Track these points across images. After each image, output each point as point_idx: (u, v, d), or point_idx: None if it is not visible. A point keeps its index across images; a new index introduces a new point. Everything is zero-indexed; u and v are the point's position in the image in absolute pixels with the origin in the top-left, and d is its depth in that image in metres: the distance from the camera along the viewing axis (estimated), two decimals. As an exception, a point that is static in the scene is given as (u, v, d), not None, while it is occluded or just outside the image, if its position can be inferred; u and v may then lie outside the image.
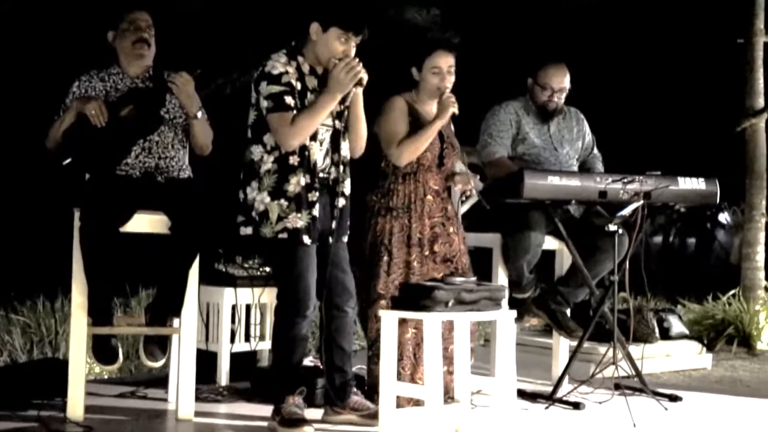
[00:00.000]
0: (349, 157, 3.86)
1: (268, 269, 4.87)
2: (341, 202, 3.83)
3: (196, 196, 3.93)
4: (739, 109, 7.40)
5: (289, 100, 3.65)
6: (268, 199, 3.69)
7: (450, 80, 4.16)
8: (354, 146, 3.86)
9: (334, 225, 3.80)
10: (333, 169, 3.81)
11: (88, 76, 4.05)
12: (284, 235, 3.68)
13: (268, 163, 3.71)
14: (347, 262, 3.88)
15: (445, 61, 4.16)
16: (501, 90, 5.09)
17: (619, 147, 6.49)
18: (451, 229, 4.25)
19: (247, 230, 3.74)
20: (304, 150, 3.71)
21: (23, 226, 7.82)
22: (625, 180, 4.37)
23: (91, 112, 3.81)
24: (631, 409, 4.07)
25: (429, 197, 4.20)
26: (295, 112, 3.65)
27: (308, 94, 3.71)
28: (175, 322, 3.92)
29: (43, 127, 3.99)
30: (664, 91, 10.55)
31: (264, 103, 3.67)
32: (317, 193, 3.71)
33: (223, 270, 4.79)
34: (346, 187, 3.85)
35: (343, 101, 3.76)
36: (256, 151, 3.73)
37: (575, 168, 4.83)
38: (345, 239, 3.89)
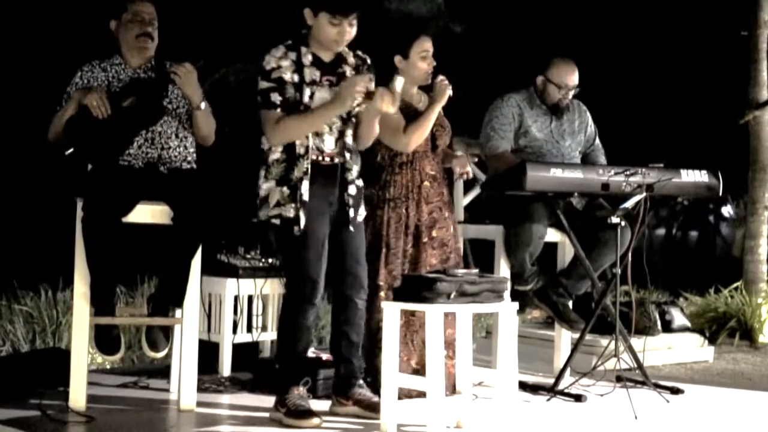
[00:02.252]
0: (354, 145, 3.86)
1: (270, 260, 4.88)
2: (352, 189, 3.83)
3: (199, 186, 3.93)
4: (742, 102, 7.40)
5: (274, 97, 3.67)
6: (273, 185, 3.71)
7: (433, 64, 4.17)
8: (359, 142, 3.86)
9: (351, 213, 3.80)
10: (345, 155, 3.81)
11: (90, 66, 4.04)
12: (276, 221, 3.70)
13: (276, 153, 3.73)
14: (362, 252, 3.88)
15: (430, 45, 4.19)
16: (504, 81, 5.09)
17: (622, 139, 6.48)
18: (446, 214, 4.26)
19: (257, 216, 3.77)
20: (310, 136, 3.72)
21: (26, 216, 7.82)
22: (628, 172, 4.36)
23: (93, 103, 3.80)
24: (633, 401, 4.07)
25: (426, 183, 4.21)
26: (279, 110, 3.67)
27: (305, 87, 3.70)
28: (178, 312, 3.92)
29: (46, 118, 3.98)
30: (668, 83, 10.53)
31: (257, 98, 3.71)
32: (309, 182, 3.69)
33: (226, 261, 4.79)
34: (354, 174, 3.83)
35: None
36: (265, 141, 3.76)
37: (578, 160, 4.83)
38: (360, 224, 3.87)
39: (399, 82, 3.76)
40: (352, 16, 3.69)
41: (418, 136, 4.11)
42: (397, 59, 4.16)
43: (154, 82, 4.00)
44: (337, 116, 3.76)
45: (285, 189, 3.70)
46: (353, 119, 3.82)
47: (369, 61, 3.88)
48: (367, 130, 3.82)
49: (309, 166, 3.70)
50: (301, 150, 3.70)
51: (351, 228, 3.82)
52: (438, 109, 4.12)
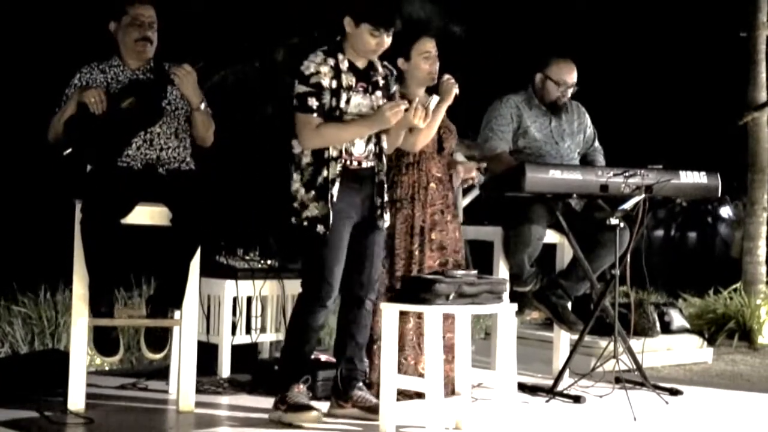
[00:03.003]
0: (386, 149, 3.91)
1: (269, 261, 4.88)
2: (383, 188, 3.85)
3: (198, 187, 3.93)
4: (741, 103, 7.40)
5: (312, 101, 3.70)
6: (303, 191, 3.75)
7: (437, 65, 4.17)
8: (387, 148, 3.91)
9: (384, 217, 3.84)
10: (375, 160, 3.84)
11: (89, 68, 4.04)
12: (306, 224, 3.74)
13: (308, 156, 3.76)
14: (378, 254, 3.90)
15: (432, 45, 4.18)
16: (503, 83, 5.09)
17: (621, 140, 6.48)
18: (449, 217, 4.25)
19: (292, 220, 3.79)
20: None
21: (25, 218, 7.82)
22: (627, 173, 4.36)
23: (90, 99, 3.80)
24: (632, 402, 4.07)
25: (432, 185, 4.20)
26: (316, 115, 3.70)
27: (342, 92, 3.73)
28: (176, 314, 3.92)
29: (45, 119, 3.98)
30: (667, 85, 10.54)
31: (294, 102, 3.74)
32: (340, 185, 3.72)
33: (224, 262, 4.79)
34: (385, 179, 3.87)
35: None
36: (297, 144, 3.78)
37: (576, 161, 4.83)
38: (383, 227, 3.88)
39: (434, 101, 3.83)
40: (391, 30, 3.74)
41: (425, 136, 4.10)
42: (400, 62, 4.16)
43: (153, 84, 4.00)
44: None
45: (312, 192, 3.73)
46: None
47: (395, 72, 3.95)
48: (393, 139, 3.88)
49: (341, 169, 3.73)
50: (334, 153, 3.73)
51: (381, 232, 3.87)
52: (445, 107, 4.11)
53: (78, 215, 3.81)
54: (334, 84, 3.73)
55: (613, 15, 9.92)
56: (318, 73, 3.71)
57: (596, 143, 4.99)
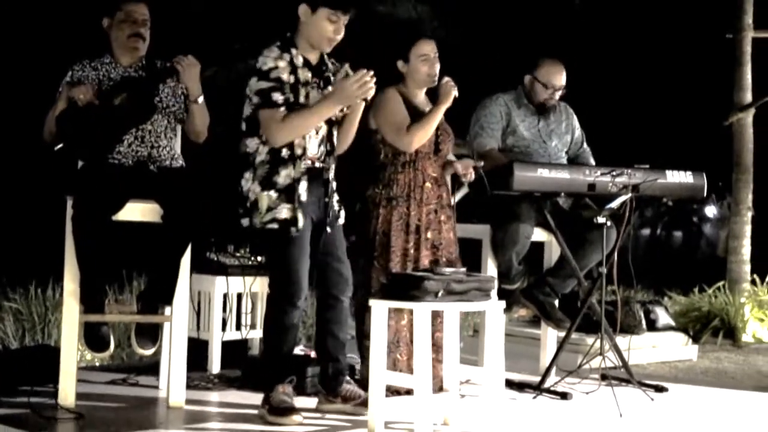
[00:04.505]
0: (333, 149, 3.89)
1: (259, 258, 4.90)
2: (332, 188, 3.86)
3: (189, 184, 3.94)
4: (726, 104, 7.46)
5: (276, 96, 3.69)
6: (258, 189, 3.72)
7: (437, 67, 4.19)
8: (341, 145, 3.90)
9: (330, 213, 3.83)
10: (327, 159, 3.85)
11: (81, 65, 4.04)
12: (274, 226, 3.70)
13: (263, 155, 3.75)
14: (344, 250, 3.90)
15: (431, 48, 4.20)
16: (492, 82, 5.12)
17: (608, 140, 6.53)
18: (443, 217, 4.27)
19: (244, 221, 3.77)
20: (296, 141, 3.74)
21: (16, 214, 7.81)
22: (614, 173, 4.40)
23: (79, 96, 3.80)
24: (618, 399, 4.11)
25: (428, 184, 4.22)
26: (283, 108, 3.68)
27: (300, 87, 3.72)
28: (167, 310, 3.94)
29: (37, 117, 3.99)
30: (653, 86, 10.60)
31: (254, 99, 3.71)
32: (306, 184, 3.73)
33: (215, 259, 4.81)
34: (332, 174, 3.87)
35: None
36: (252, 143, 3.76)
37: (564, 161, 4.87)
38: (340, 225, 3.90)
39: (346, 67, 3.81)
40: (348, 16, 3.73)
41: (422, 136, 4.12)
42: (399, 64, 4.19)
43: (145, 80, 4.01)
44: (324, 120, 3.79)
45: (273, 192, 3.71)
46: (336, 123, 3.85)
47: (342, 68, 3.86)
48: (348, 130, 3.85)
49: (305, 168, 3.73)
50: (298, 151, 3.72)
51: (334, 228, 3.86)
52: (443, 109, 4.12)
53: (69, 211, 3.82)
54: (292, 79, 3.71)
55: (602, 16, 9.97)
56: (276, 67, 3.70)
57: (585, 145, 5.03)
